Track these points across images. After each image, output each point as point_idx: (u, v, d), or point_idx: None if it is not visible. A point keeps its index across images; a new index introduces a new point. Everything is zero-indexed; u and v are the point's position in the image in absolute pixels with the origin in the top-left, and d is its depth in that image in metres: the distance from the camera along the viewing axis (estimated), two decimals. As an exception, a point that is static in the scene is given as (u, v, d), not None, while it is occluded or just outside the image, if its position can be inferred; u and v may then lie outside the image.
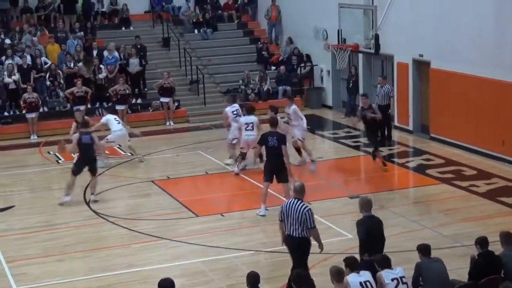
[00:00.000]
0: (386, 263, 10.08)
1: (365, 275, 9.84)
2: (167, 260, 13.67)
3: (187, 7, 30.22)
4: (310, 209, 11.20)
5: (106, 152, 20.65)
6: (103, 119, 20.48)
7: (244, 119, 18.76)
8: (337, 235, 14.27)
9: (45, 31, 27.47)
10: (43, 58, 25.74)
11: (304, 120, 19.07)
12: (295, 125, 18.84)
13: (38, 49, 25.85)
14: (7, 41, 26.44)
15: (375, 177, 18.87)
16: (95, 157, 17.31)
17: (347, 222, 14.51)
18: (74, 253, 14.20)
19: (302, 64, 28.13)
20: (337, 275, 9.46)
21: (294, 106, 19.06)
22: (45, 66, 25.47)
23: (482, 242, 10.56)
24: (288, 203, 11.34)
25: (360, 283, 9.69)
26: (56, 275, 13.14)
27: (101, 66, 25.71)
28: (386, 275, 9.95)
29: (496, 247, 10.77)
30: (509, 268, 10.30)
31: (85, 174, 19.18)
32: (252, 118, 18.63)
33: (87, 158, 17.12)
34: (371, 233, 10.91)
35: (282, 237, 11.53)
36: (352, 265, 10.00)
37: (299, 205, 11.16)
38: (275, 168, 15.70)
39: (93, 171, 17.22)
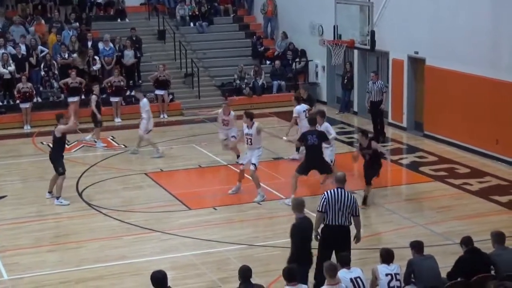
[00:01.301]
0: (388, 258, 10.13)
1: (356, 272, 9.88)
2: (159, 253, 13.67)
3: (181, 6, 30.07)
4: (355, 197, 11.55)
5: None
6: (146, 106, 20.32)
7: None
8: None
9: (41, 21, 27.36)
10: (40, 47, 25.64)
11: (334, 135, 17.26)
12: (326, 146, 16.55)
13: (34, 38, 25.73)
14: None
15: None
16: (57, 156, 16.30)
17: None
18: (66, 244, 14.18)
19: (297, 59, 28.13)
20: (331, 270, 9.44)
21: (326, 124, 17.04)
22: (41, 55, 25.38)
23: (467, 241, 10.57)
24: (333, 193, 11.30)
25: (351, 279, 9.73)
26: (48, 266, 13.15)
27: (96, 57, 25.61)
28: (381, 269, 10.01)
29: (487, 245, 10.79)
30: (500, 267, 10.30)
31: (78, 166, 19.14)
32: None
33: (51, 155, 16.58)
34: (305, 236, 10.83)
35: (316, 228, 11.33)
36: (343, 261, 10.04)
37: (346, 194, 11.30)
38: (316, 166, 16.01)
39: (55, 170, 16.45)
